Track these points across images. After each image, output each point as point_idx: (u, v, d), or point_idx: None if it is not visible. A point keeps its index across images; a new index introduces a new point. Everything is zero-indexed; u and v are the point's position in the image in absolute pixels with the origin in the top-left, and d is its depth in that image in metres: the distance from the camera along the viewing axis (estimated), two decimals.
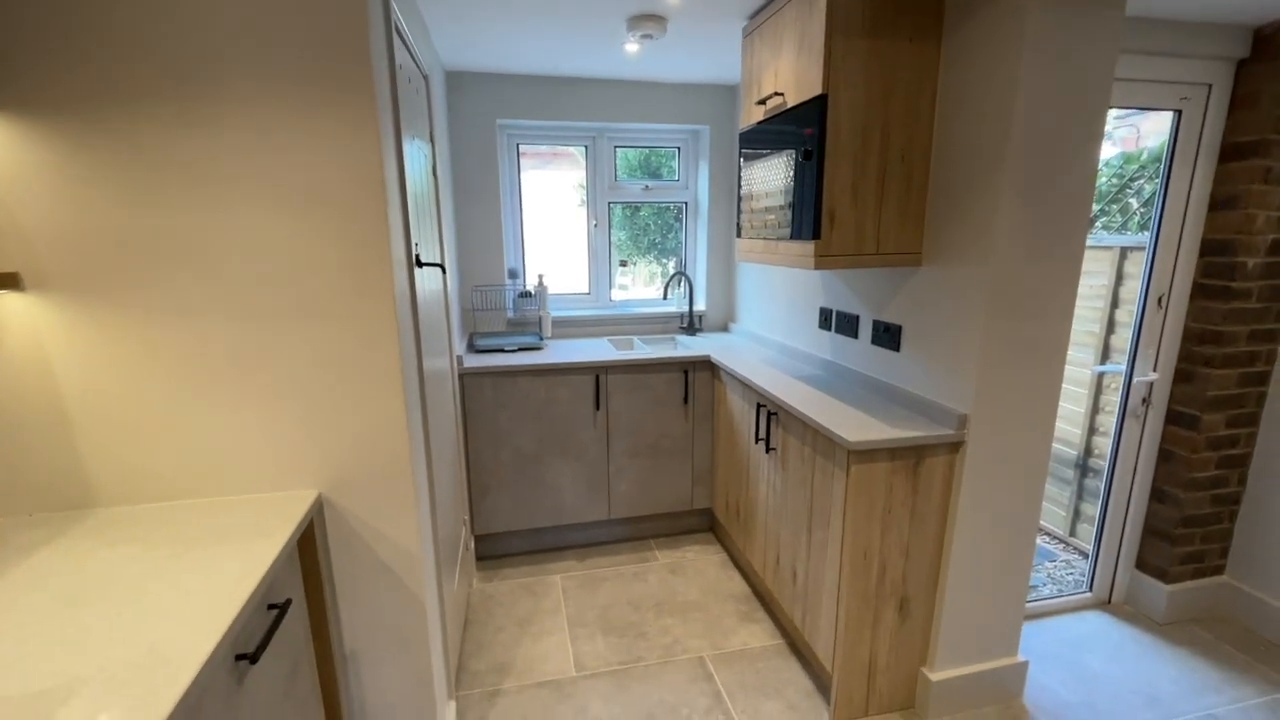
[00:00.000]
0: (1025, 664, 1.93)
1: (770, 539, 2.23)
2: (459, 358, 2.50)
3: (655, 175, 3.53)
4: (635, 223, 3.64)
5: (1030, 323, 1.65)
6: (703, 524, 3.02)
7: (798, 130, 1.81)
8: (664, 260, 3.65)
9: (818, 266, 1.78)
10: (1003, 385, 1.68)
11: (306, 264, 1.24)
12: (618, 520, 2.90)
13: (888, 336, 2.02)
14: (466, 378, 2.53)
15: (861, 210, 1.78)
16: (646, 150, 3.49)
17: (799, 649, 2.16)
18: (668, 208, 3.52)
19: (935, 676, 1.85)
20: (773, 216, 2.01)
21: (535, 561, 2.76)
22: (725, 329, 3.43)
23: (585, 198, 3.28)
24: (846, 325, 2.25)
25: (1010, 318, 1.64)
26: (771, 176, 2.00)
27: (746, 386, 2.36)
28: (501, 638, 2.24)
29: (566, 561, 2.75)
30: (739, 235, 2.33)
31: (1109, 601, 2.44)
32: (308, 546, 1.31)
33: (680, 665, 2.10)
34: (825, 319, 2.40)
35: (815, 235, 1.76)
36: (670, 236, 3.72)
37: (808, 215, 1.79)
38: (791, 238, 1.90)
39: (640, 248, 3.66)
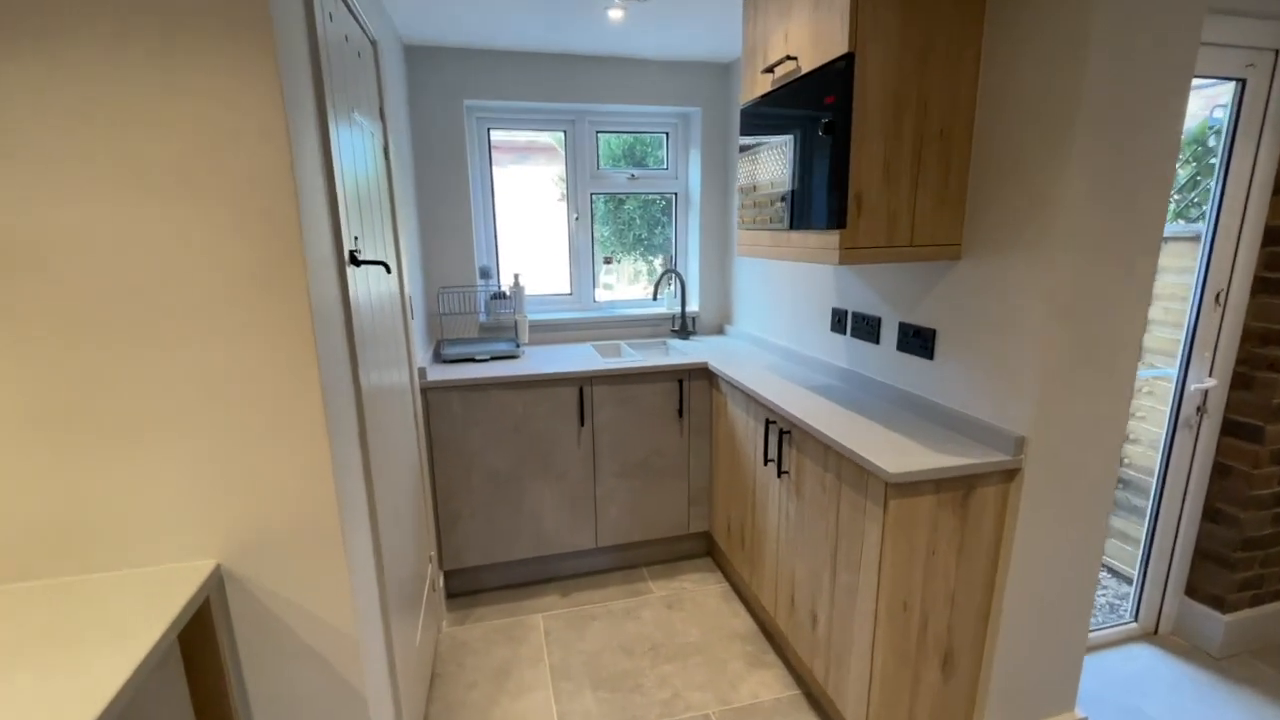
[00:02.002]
0: None
1: (783, 573, 1.94)
2: (421, 370, 2.18)
3: (641, 165, 3.23)
4: (619, 217, 3.34)
5: (1098, 324, 1.38)
6: (700, 548, 2.73)
7: (815, 99, 1.52)
8: (650, 258, 3.35)
9: (843, 261, 1.49)
10: (1067, 400, 1.41)
11: (187, 267, 0.92)
12: (606, 548, 2.60)
13: (918, 342, 1.74)
14: (431, 393, 2.21)
15: (894, 194, 1.49)
16: (631, 138, 3.18)
17: (819, 702, 1.88)
18: (655, 200, 3.22)
19: None
20: (783, 204, 1.72)
21: (514, 598, 2.44)
22: (721, 332, 3.14)
23: (565, 189, 2.96)
24: (865, 329, 1.97)
25: (1076, 319, 1.36)
26: (781, 157, 1.71)
27: (752, 399, 2.07)
28: (474, 696, 1.93)
29: (549, 597, 2.45)
30: (740, 227, 2.03)
31: (1155, 632, 2.19)
32: (201, 637, 0.99)
33: None
34: (839, 321, 2.12)
35: (839, 224, 1.47)
36: (658, 232, 3.42)
37: (829, 201, 1.50)
38: (807, 228, 1.61)
39: (625, 244, 3.36)
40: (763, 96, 1.81)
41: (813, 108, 1.53)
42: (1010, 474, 1.45)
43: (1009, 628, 1.52)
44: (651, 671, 2.03)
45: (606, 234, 3.22)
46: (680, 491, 2.56)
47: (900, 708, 1.53)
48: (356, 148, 1.42)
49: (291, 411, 1.00)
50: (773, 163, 1.76)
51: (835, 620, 1.65)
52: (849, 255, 1.49)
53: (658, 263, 3.24)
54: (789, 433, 1.83)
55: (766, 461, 1.96)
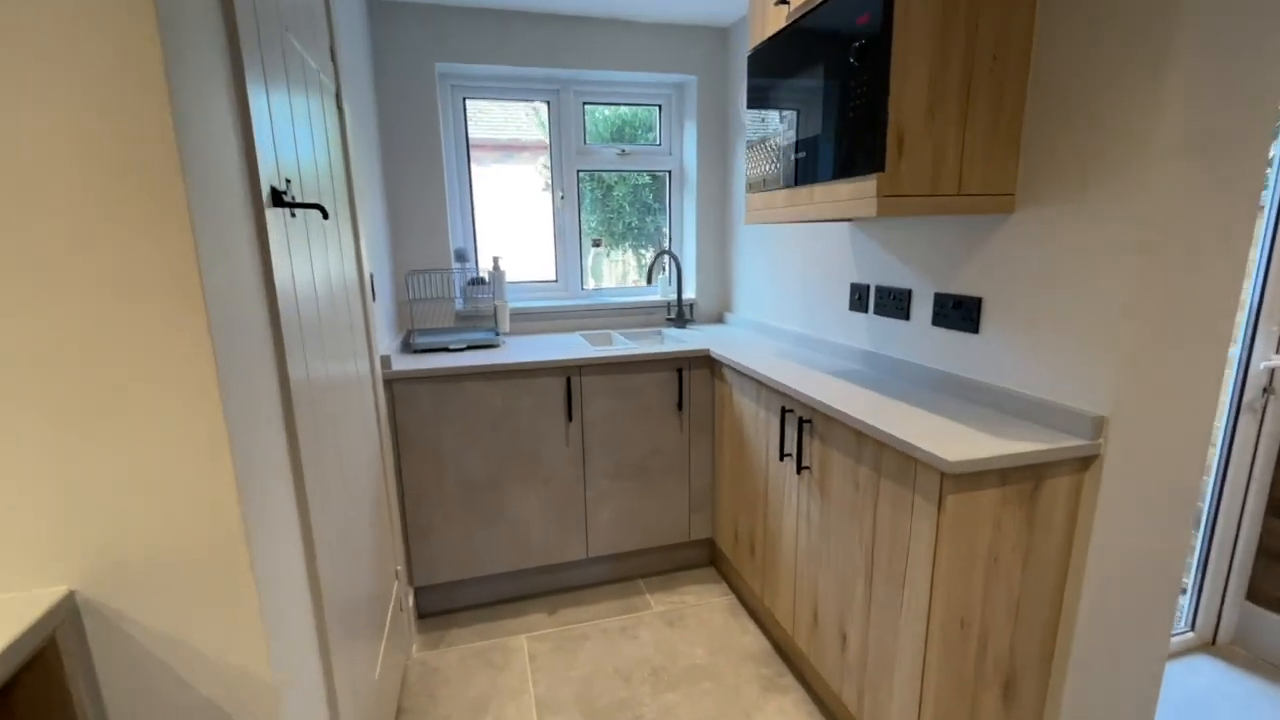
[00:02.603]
0: None
1: (804, 586, 1.69)
2: (385, 358, 1.90)
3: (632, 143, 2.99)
4: (608, 205, 3.09)
5: (1194, 279, 1.15)
6: (702, 557, 2.47)
7: (846, 20, 1.29)
8: (642, 250, 3.10)
9: (882, 211, 1.25)
10: (1155, 373, 1.17)
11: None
12: (598, 559, 2.33)
13: (959, 314, 1.50)
14: (397, 385, 1.94)
15: (940, 132, 1.26)
16: (620, 121, 2.94)
17: None
18: (646, 186, 2.98)
19: None
20: (803, 156, 1.48)
21: (494, 616, 2.16)
22: (720, 320, 2.89)
23: (549, 165, 2.71)
24: (892, 304, 1.73)
25: (1170, 273, 1.13)
26: (801, 100, 1.47)
27: (763, 386, 1.83)
28: None
29: (534, 615, 2.17)
30: (748, 191, 1.79)
31: (1214, 642, 1.97)
32: (44, 689, 0.71)
33: None
34: (859, 298, 1.88)
35: (878, 166, 1.24)
36: (649, 220, 3.18)
37: (865, 139, 1.26)
38: (835, 178, 1.37)
39: (614, 234, 3.11)
40: (776, 35, 1.57)
41: (842, 32, 1.30)
42: (1086, 462, 1.21)
43: (1082, 645, 1.28)
44: (653, 701, 1.76)
45: (594, 223, 2.97)
46: (680, 495, 2.31)
47: None
48: (292, 73, 1.16)
49: (171, 397, 0.73)
50: (791, 108, 1.52)
51: (873, 640, 1.40)
52: (889, 205, 1.25)
53: (649, 256, 2.99)
54: (809, 421, 1.58)
55: (783, 456, 1.71)
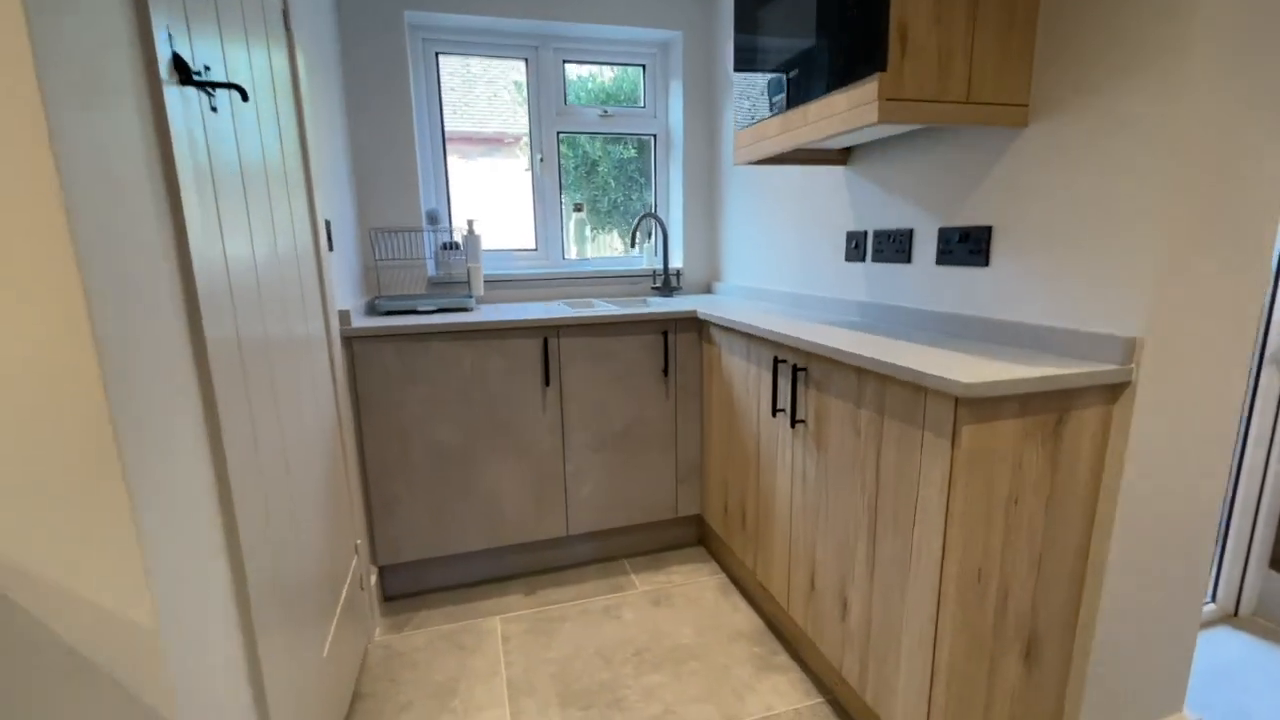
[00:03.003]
0: None
1: (799, 552, 1.55)
2: (344, 313, 1.75)
3: (620, 138, 2.85)
4: (593, 181, 2.95)
5: (1236, 187, 1.03)
6: (690, 536, 2.33)
7: None
8: (628, 229, 2.95)
9: (884, 117, 1.12)
10: (1193, 286, 1.05)
11: None
12: (579, 537, 2.18)
13: (966, 248, 1.38)
14: (357, 343, 1.79)
15: (948, 31, 1.13)
16: (605, 90, 2.81)
17: (850, 712, 1.48)
18: (631, 160, 2.85)
19: None
20: (796, 72, 1.36)
21: (466, 599, 2.01)
22: (709, 290, 2.76)
23: (528, 127, 2.57)
24: (892, 248, 1.61)
25: (1212, 180, 1.01)
26: (791, 11, 1.35)
27: (753, 339, 1.69)
28: None
29: (510, 597, 2.01)
30: (737, 132, 1.67)
31: (1236, 614, 1.84)
32: None
33: None
34: (855, 246, 1.76)
35: (879, 66, 1.11)
36: (635, 196, 3.04)
37: (865, 39, 1.13)
38: (831, 89, 1.24)
39: (599, 212, 2.97)
40: None
41: None
42: (1116, 391, 1.08)
43: (1110, 602, 1.15)
44: (635, 682, 1.61)
45: (577, 199, 2.83)
46: (667, 467, 2.16)
47: (973, 716, 1.14)
48: None
49: (21, 322, 0.58)
50: (780, 21, 1.39)
51: (877, 604, 1.25)
52: (892, 110, 1.12)
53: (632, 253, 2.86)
54: (804, 370, 1.44)
55: (775, 412, 1.57)
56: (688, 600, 1.97)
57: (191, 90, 0.88)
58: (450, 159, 2.49)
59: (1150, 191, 1.02)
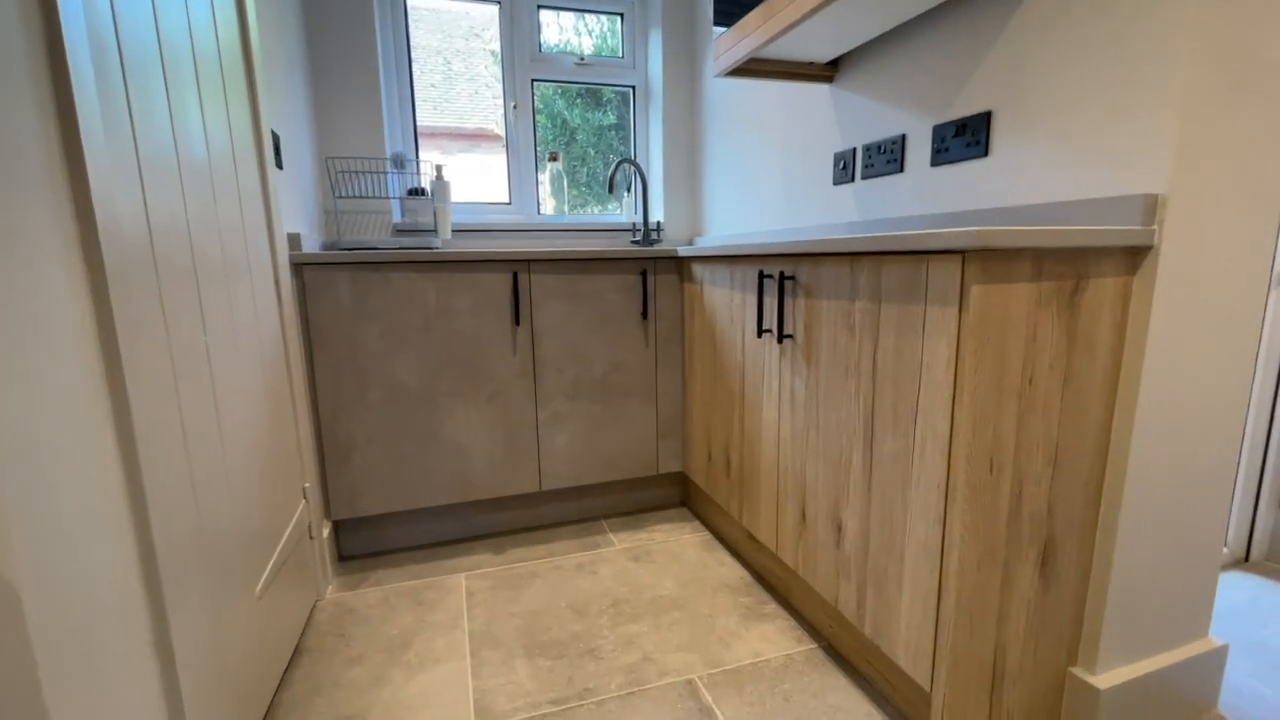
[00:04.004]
0: (1225, 649, 1.17)
1: (788, 485, 1.42)
2: (294, 236, 1.61)
3: (601, 110, 2.74)
4: (571, 151, 2.84)
5: (1262, 19, 0.94)
6: (673, 496, 2.19)
7: None
8: (607, 202, 2.83)
9: None
10: (1221, 140, 0.95)
11: None
12: (554, 494, 2.04)
13: (963, 141, 1.28)
14: (308, 270, 1.64)
15: None
16: (585, 88, 2.71)
17: (846, 655, 1.35)
18: (610, 126, 2.75)
19: (1100, 682, 1.06)
20: None
21: (430, 557, 1.85)
22: (690, 244, 2.64)
23: (499, 66, 2.46)
24: (884, 159, 1.51)
25: (1238, 18, 0.91)
26: None
27: (739, 259, 1.57)
28: (354, 675, 1.33)
29: (478, 555, 1.86)
30: (721, 33, 1.56)
31: (1247, 559, 1.74)
32: None
33: (657, 697, 1.25)
34: (844, 167, 1.66)
35: None
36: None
37: None
38: None
39: (578, 184, 2.86)
40: None
41: None
42: (1137, 256, 0.98)
43: (1134, 503, 1.03)
44: (611, 633, 1.46)
45: (554, 171, 2.72)
46: (648, 419, 2.03)
47: (984, 634, 1.01)
48: None
49: None
50: None
51: (875, 517, 1.13)
52: None
53: (615, 206, 2.75)
54: (792, 278, 1.33)
55: (761, 333, 1.45)
56: (669, 556, 1.83)
57: None
58: (431, 153, 2.38)
59: (1169, 34, 0.92)
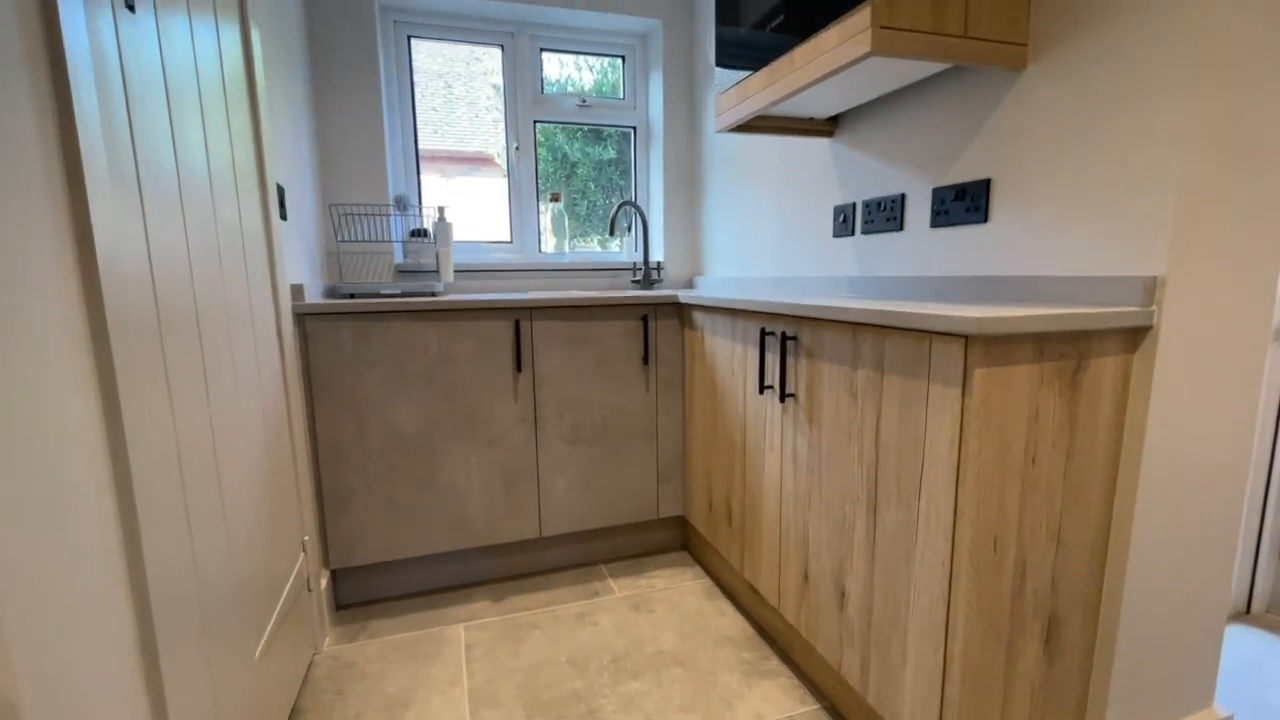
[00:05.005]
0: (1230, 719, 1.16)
1: (791, 543, 1.42)
2: (297, 287, 1.62)
3: (599, 138, 2.77)
4: (571, 184, 2.86)
5: (1261, 110, 0.96)
6: (673, 540, 2.18)
7: None
8: (606, 240, 2.84)
9: (876, 46, 1.04)
10: (1219, 222, 0.97)
11: None
12: (554, 539, 2.02)
13: (963, 206, 1.30)
14: (310, 320, 1.65)
15: None
16: (583, 94, 2.74)
17: (849, 717, 1.33)
18: (610, 161, 2.77)
19: None
20: (780, 20, 1.28)
21: (428, 605, 1.83)
22: (690, 285, 2.66)
23: (501, 98, 2.49)
24: (883, 217, 1.53)
25: (1234, 98, 0.93)
26: None
27: (740, 314, 1.58)
28: None
29: (476, 604, 1.84)
30: (719, 92, 1.59)
31: (1248, 611, 1.74)
32: None
33: None
34: (843, 221, 1.68)
35: None
36: (615, 200, 2.96)
37: None
38: (818, 28, 1.16)
39: (578, 217, 2.88)
40: None
41: None
42: (1136, 336, 0.99)
43: (1136, 580, 1.04)
44: (612, 691, 1.45)
45: (553, 190, 2.74)
46: (648, 463, 2.03)
47: (989, 709, 1.00)
48: None
49: None
50: None
51: (879, 587, 1.13)
52: (886, 40, 1.04)
53: (615, 243, 2.77)
54: (794, 338, 1.34)
55: (763, 389, 1.46)
56: (670, 605, 1.82)
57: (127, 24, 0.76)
58: (430, 176, 2.40)
59: (1167, 119, 0.94)
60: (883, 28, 1.04)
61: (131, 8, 0.85)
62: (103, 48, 0.77)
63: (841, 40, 1.11)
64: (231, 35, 1.28)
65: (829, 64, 1.15)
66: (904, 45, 1.06)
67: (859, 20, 1.06)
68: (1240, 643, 1.61)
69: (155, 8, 0.92)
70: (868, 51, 1.05)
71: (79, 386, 0.67)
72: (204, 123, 1.10)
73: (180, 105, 1.00)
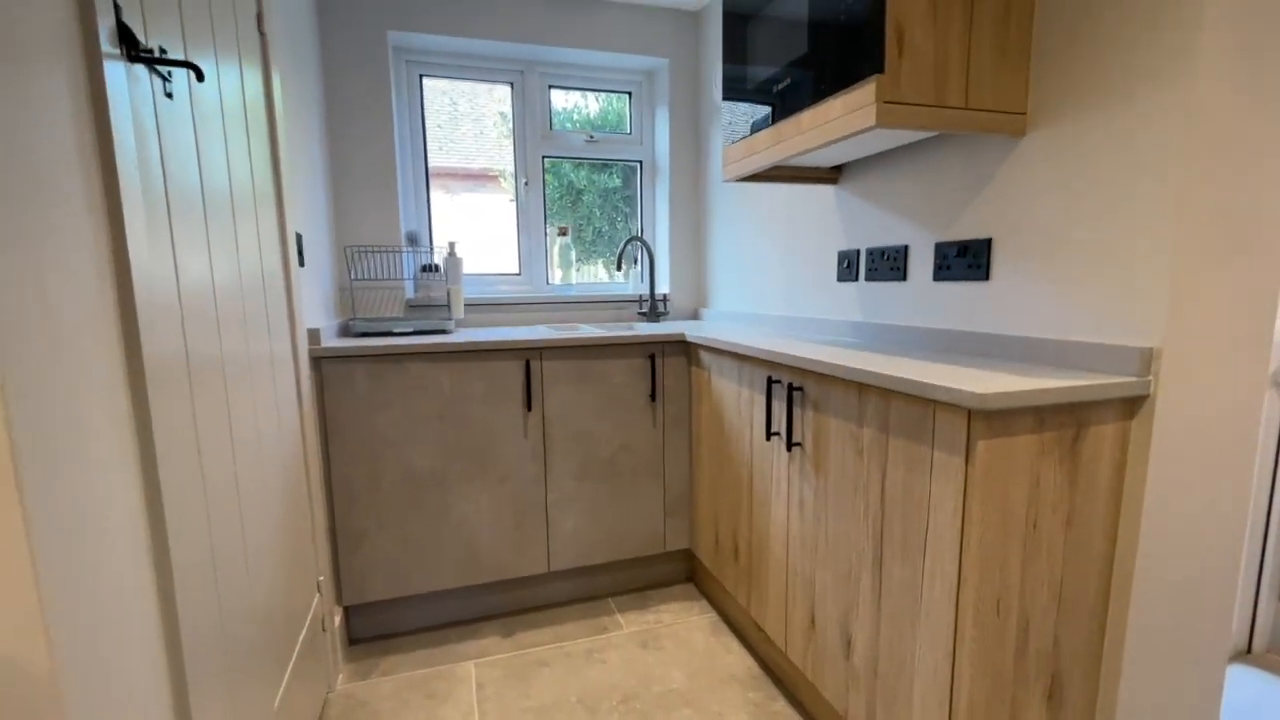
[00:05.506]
0: None
1: (798, 586, 1.44)
2: (314, 331, 1.66)
3: (605, 167, 2.82)
4: (578, 211, 2.91)
5: (1252, 186, 0.99)
6: (680, 573, 2.21)
7: None
8: (613, 258, 2.89)
9: (881, 120, 1.08)
10: (1213, 295, 1.00)
11: None
12: (562, 574, 2.05)
13: (965, 262, 1.33)
14: (326, 363, 1.68)
15: (944, 34, 1.10)
16: (591, 123, 2.79)
17: None
18: (616, 188, 2.82)
19: None
20: (788, 82, 1.32)
21: (438, 641, 1.86)
22: (696, 316, 2.70)
23: (512, 150, 2.54)
24: (886, 265, 1.56)
25: (1226, 178, 0.97)
26: (781, 23, 1.32)
27: (745, 360, 1.62)
28: None
29: (486, 639, 1.87)
30: (726, 147, 1.63)
31: (1249, 650, 1.76)
32: None
33: None
34: (847, 266, 1.71)
35: (877, 68, 1.07)
36: (620, 226, 3.01)
37: (860, 40, 1.10)
38: (826, 96, 1.20)
39: (584, 242, 2.92)
40: None
41: None
42: (1133, 406, 1.02)
43: (1137, 635, 1.06)
44: None
45: (560, 224, 2.79)
46: (655, 498, 2.06)
47: None
48: None
49: None
50: (771, 34, 1.37)
51: (885, 640, 1.15)
52: (889, 114, 1.08)
53: (620, 275, 2.81)
54: (800, 389, 1.37)
55: (770, 435, 1.49)
56: (677, 642, 1.84)
57: (141, 69, 0.80)
58: (435, 193, 2.44)
59: (1162, 194, 0.97)
60: (887, 102, 1.08)
61: (170, 95, 0.89)
62: (143, 124, 0.81)
63: (846, 111, 1.15)
64: (255, 83, 1.33)
65: (835, 131, 1.19)
66: (908, 118, 1.10)
67: (863, 94, 1.10)
68: (1241, 683, 1.63)
69: (191, 99, 0.97)
70: (872, 124, 1.09)
71: (118, 427, 0.70)
72: (230, 183, 1.14)
73: (210, 170, 1.04)
